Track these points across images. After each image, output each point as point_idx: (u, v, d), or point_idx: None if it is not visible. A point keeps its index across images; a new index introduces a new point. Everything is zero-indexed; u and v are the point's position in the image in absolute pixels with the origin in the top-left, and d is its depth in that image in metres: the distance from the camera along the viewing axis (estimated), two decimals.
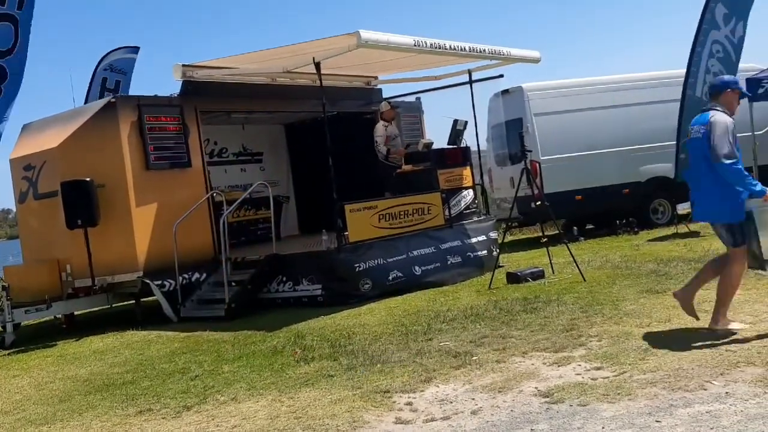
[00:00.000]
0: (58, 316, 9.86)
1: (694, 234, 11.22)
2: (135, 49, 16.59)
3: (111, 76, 15.97)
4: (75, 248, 9.26)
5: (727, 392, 4.06)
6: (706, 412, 3.81)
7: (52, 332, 9.59)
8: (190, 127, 9.94)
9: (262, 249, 10.16)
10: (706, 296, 6.52)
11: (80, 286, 9.49)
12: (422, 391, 4.83)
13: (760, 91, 11.59)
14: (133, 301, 9.89)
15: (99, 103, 9.95)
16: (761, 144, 12.16)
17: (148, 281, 9.21)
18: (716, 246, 9.55)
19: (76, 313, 10.06)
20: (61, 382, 6.57)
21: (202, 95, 10.18)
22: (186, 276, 9.44)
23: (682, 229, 11.67)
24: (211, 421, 4.78)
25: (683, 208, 13.86)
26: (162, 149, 9.61)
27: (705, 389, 4.16)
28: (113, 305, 10.11)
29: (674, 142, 11.56)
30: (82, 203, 9.06)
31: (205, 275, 9.63)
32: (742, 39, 11.70)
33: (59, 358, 7.76)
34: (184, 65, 9.79)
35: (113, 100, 9.58)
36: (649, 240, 11.43)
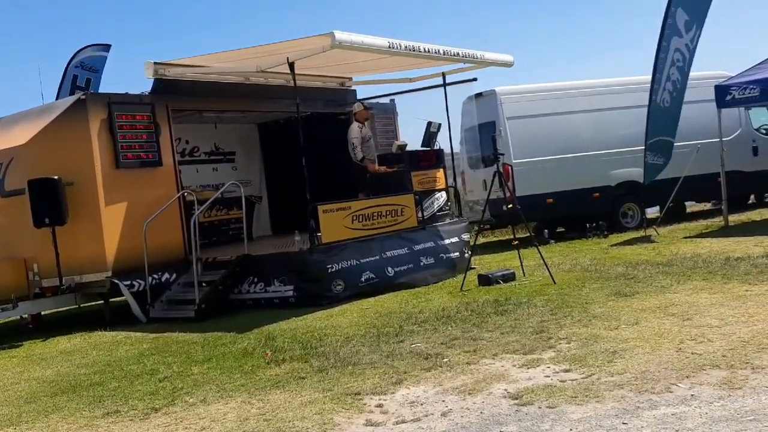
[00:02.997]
0: (24, 315, 9.69)
1: (663, 238, 11.39)
2: (106, 47, 16.46)
3: (82, 74, 15.83)
4: (42, 247, 9.12)
5: (692, 395, 4.13)
6: (672, 414, 3.86)
7: (19, 332, 9.42)
8: (162, 125, 9.83)
9: (233, 249, 10.09)
10: (673, 300, 6.64)
11: (47, 286, 9.35)
12: (393, 393, 4.84)
13: (728, 98, 11.79)
14: (102, 302, 9.77)
15: (68, 100, 9.80)
16: (729, 150, 12.38)
17: (116, 281, 9.09)
18: (684, 250, 9.73)
19: (43, 313, 9.90)
20: (26, 383, 6.46)
21: (174, 93, 10.08)
22: (156, 276, 9.34)
23: (651, 233, 11.84)
24: (180, 423, 4.73)
25: (652, 213, 14.07)
26: (132, 147, 9.50)
27: (671, 392, 4.22)
28: (81, 305, 9.98)
29: (644, 147, 11.74)
30: (49, 201, 8.92)
31: (175, 276, 9.54)
32: (695, 47, 11.93)
33: (25, 359, 7.63)
34: (156, 63, 9.68)
35: (83, 97, 9.45)
36: (618, 243, 11.57)
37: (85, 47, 16.16)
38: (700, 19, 11.91)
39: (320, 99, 12.06)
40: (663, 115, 11.61)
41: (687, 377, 4.43)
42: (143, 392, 5.58)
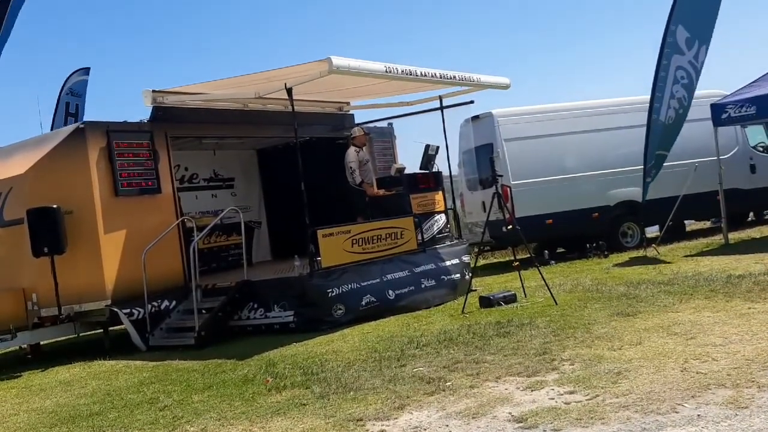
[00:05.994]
0: (23, 346, 9.63)
1: (663, 257, 11.36)
2: (86, 71, 16.70)
3: (72, 101, 16.04)
4: (41, 276, 9.07)
5: (698, 414, 4.08)
6: None
7: (17, 363, 9.35)
8: (160, 152, 9.85)
9: (233, 275, 10.06)
10: (676, 318, 6.60)
11: (46, 315, 9.29)
12: (396, 418, 4.78)
13: (724, 116, 11.83)
14: (101, 330, 9.71)
15: (67, 129, 9.83)
16: (727, 168, 12.40)
17: (116, 310, 9.04)
18: (685, 269, 9.70)
19: (42, 342, 9.83)
20: (25, 414, 6.39)
21: (173, 121, 10.11)
22: (155, 304, 9.29)
23: (651, 252, 11.81)
24: None
25: (652, 232, 14.05)
26: (131, 175, 9.51)
27: (677, 412, 4.17)
28: (80, 334, 9.91)
29: (642, 167, 11.75)
30: (48, 230, 8.90)
31: (174, 303, 9.49)
32: (702, 64, 11.89)
33: (24, 390, 7.56)
34: (154, 91, 9.73)
35: (82, 125, 9.48)
36: (619, 263, 11.54)
37: (71, 74, 16.34)
38: (703, 36, 11.82)
39: (318, 124, 12.10)
40: (665, 131, 11.62)
41: (693, 397, 4.38)
42: (143, 421, 5.51)
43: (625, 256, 12.29)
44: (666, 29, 11.37)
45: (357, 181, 10.49)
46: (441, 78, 9.74)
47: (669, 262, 10.66)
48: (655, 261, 11.05)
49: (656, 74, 11.37)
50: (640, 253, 12.19)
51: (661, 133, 11.55)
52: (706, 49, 11.87)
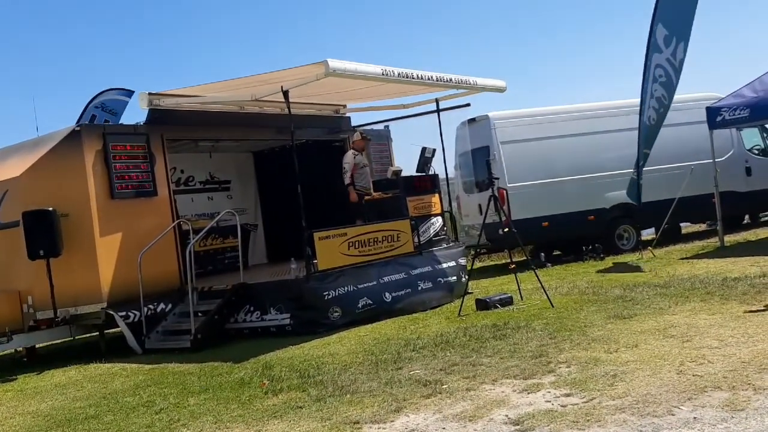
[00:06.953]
0: (19, 349, 9.60)
1: (659, 260, 11.38)
2: (129, 93, 16.76)
3: (101, 115, 16.07)
4: (37, 279, 9.06)
5: (695, 417, 4.09)
6: None
7: (13, 366, 9.33)
8: (156, 155, 9.84)
9: (229, 278, 10.04)
10: (672, 321, 6.61)
11: (42, 318, 9.27)
12: (392, 421, 4.78)
13: (719, 119, 11.85)
14: (97, 333, 9.68)
15: (63, 132, 9.80)
16: (723, 171, 12.43)
17: (112, 312, 9.02)
18: (681, 271, 9.72)
19: (37, 345, 9.81)
20: (21, 417, 6.37)
21: (169, 123, 10.09)
22: (151, 306, 9.27)
23: (647, 254, 11.82)
24: None
25: (648, 234, 14.08)
26: (127, 178, 9.50)
27: (673, 414, 4.18)
28: (76, 337, 9.89)
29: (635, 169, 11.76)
30: (44, 233, 8.88)
31: (170, 306, 9.47)
32: (682, 62, 11.67)
33: (19, 393, 7.54)
34: (150, 93, 9.72)
35: (77, 128, 9.46)
36: (615, 266, 11.55)
37: (109, 89, 16.51)
38: (681, 33, 11.64)
39: (315, 126, 12.09)
40: (649, 131, 11.60)
41: (689, 399, 4.39)
42: (139, 425, 5.50)
43: (620, 259, 12.30)
44: (650, 30, 11.29)
45: (345, 182, 10.53)
46: (437, 81, 9.75)
47: (665, 265, 10.67)
48: (651, 264, 11.07)
49: (643, 75, 11.34)
50: (636, 255, 12.21)
51: (645, 133, 11.53)
52: (685, 46, 11.64)
